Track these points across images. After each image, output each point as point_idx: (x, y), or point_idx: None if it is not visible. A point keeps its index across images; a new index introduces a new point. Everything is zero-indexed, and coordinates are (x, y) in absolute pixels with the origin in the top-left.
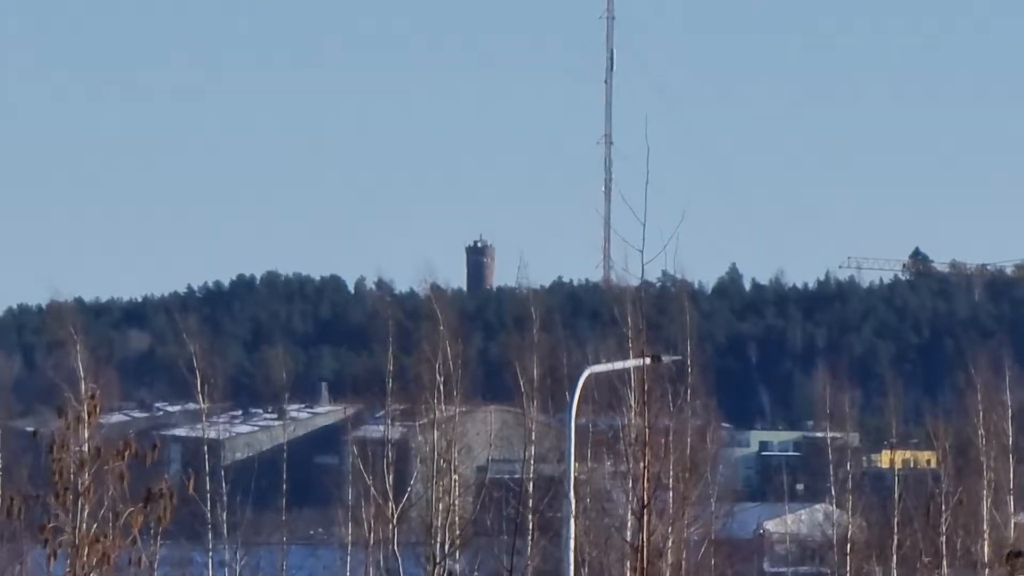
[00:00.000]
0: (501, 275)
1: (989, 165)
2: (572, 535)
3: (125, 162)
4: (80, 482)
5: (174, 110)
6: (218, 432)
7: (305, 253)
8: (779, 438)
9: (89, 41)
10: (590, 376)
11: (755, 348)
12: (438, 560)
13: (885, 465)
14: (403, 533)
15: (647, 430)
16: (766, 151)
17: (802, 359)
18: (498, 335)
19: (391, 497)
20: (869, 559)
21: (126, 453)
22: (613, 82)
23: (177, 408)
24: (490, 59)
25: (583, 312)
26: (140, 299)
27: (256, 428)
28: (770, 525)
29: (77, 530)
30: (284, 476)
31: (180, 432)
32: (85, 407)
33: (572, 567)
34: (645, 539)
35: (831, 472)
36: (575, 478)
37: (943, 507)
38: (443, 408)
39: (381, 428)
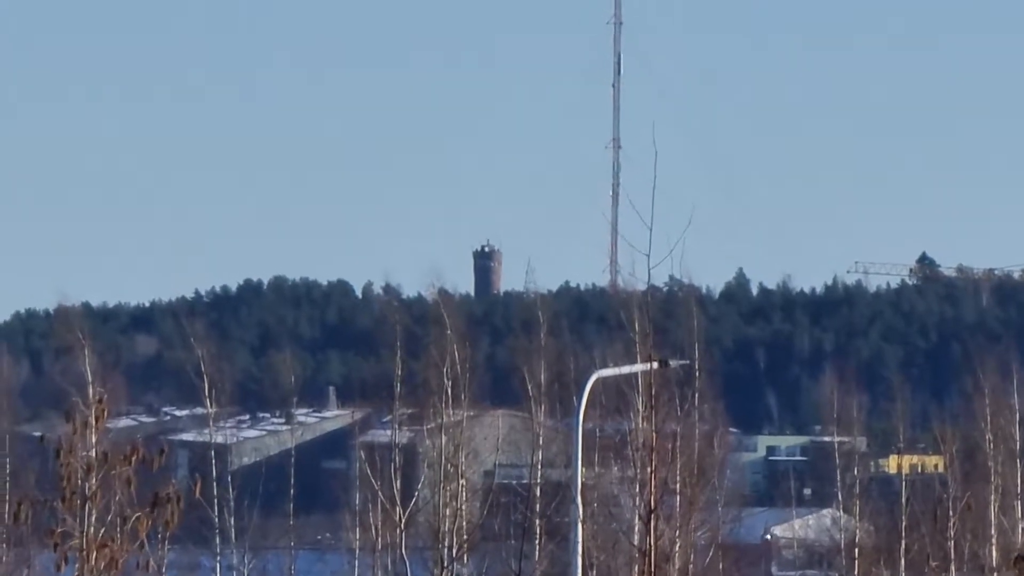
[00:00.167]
0: (508, 280)
1: (996, 170)
2: (580, 539)
3: (132, 166)
4: (88, 487)
5: (180, 114)
6: (225, 437)
7: (312, 258)
8: (786, 443)
9: (93, 42)
10: (597, 381)
11: (762, 353)
12: (446, 564)
13: (892, 470)
14: (411, 538)
15: (654, 435)
16: (773, 155)
17: (809, 364)
18: (505, 340)
19: (399, 502)
20: (877, 563)
21: (134, 458)
22: (621, 86)
23: (185, 413)
24: (498, 65)
25: (590, 317)
26: (148, 304)
27: (264, 433)
28: (777, 530)
29: (85, 535)
30: (292, 481)
31: (188, 437)
32: (93, 412)
33: (580, 571)
34: (652, 543)
35: (838, 477)
36: (582, 483)
37: (951, 511)
38: (451, 413)
39: (389, 433)
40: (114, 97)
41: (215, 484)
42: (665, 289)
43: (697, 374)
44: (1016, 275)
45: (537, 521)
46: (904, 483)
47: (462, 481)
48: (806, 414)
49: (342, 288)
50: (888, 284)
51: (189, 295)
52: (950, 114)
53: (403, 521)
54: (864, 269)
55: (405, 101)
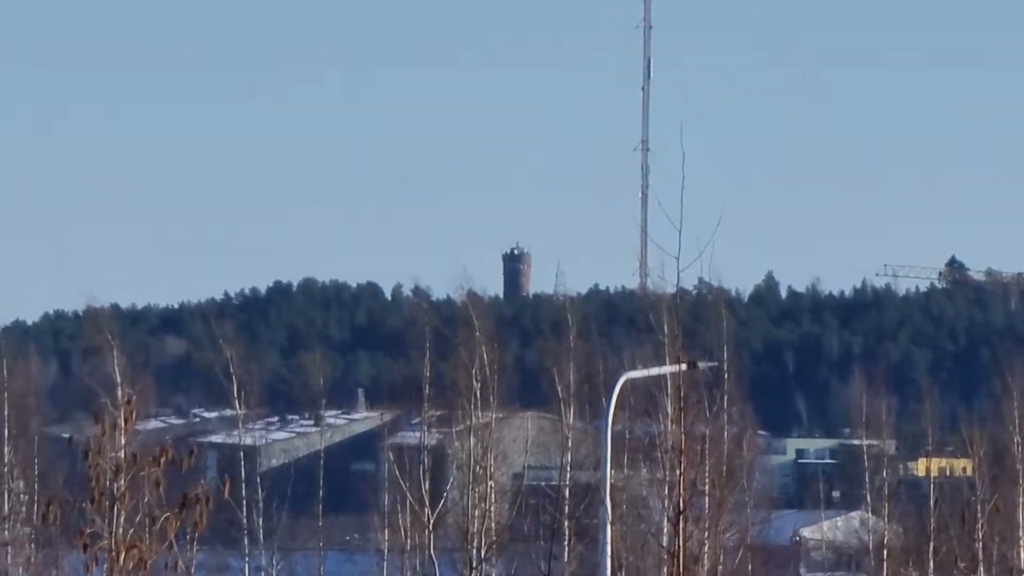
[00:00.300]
0: (538, 282)
1: None
2: (608, 541)
3: (162, 168)
4: (116, 488)
5: (211, 116)
6: (254, 438)
7: (342, 260)
8: (815, 445)
9: (123, 43)
10: (626, 383)
11: (791, 355)
12: (474, 566)
13: (921, 473)
14: (439, 539)
15: (683, 437)
16: (803, 159)
17: (838, 367)
18: (534, 342)
19: (427, 503)
20: (905, 565)
21: (162, 459)
22: (650, 89)
23: (214, 414)
24: (528, 68)
25: (619, 319)
26: (177, 306)
27: (293, 434)
28: (806, 532)
29: (113, 536)
30: (321, 482)
31: (216, 439)
32: (121, 413)
33: (608, 572)
34: (681, 545)
35: (867, 480)
36: (611, 484)
37: (979, 514)
38: (479, 415)
39: (417, 435)
40: (144, 99)
41: (244, 485)
42: (694, 291)
43: (726, 376)
44: None
45: (566, 523)
46: (932, 486)
47: (490, 483)
48: (835, 417)
49: (371, 290)
50: (917, 287)
51: (219, 297)
52: (981, 118)
53: (431, 522)
54: (893, 272)
55: (436, 104)
